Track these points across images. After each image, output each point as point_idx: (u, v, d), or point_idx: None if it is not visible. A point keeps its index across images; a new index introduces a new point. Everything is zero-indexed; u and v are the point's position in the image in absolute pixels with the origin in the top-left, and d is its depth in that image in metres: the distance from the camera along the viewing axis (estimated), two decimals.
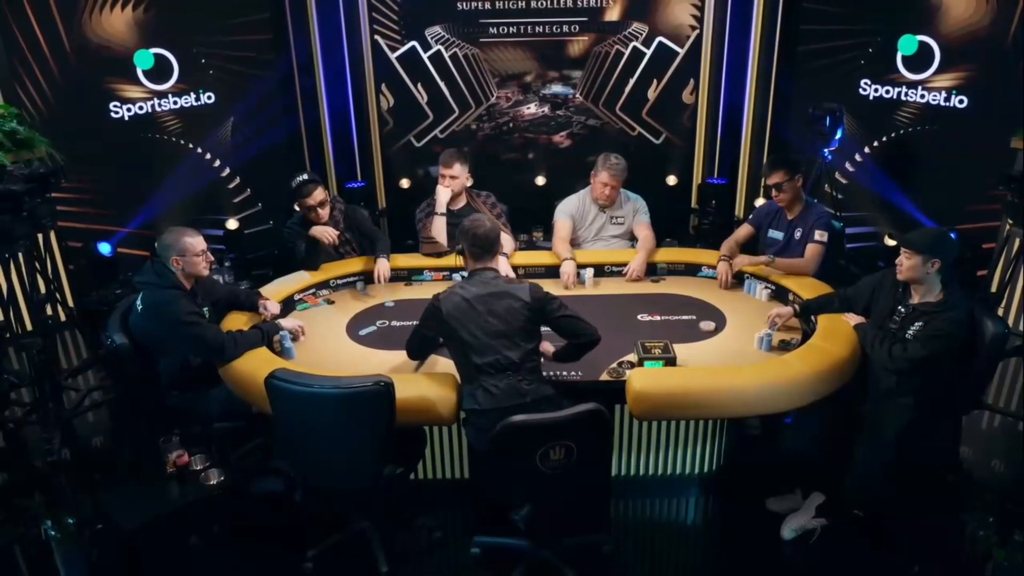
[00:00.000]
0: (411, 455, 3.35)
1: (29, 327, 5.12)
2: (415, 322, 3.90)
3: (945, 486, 3.79)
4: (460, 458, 3.82)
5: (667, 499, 3.87)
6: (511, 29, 6.38)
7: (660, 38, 6.41)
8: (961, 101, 5.29)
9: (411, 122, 6.67)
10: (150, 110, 5.74)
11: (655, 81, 6.54)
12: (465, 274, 4.15)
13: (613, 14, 6.34)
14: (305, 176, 4.48)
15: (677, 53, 6.46)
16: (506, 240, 4.57)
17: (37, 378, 4.30)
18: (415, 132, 6.71)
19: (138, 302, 3.53)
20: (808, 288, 4.00)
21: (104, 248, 5.67)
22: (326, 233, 4.39)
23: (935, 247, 3.26)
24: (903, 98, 5.61)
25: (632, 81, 6.54)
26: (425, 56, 6.44)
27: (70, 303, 5.24)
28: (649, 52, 6.45)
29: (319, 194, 4.40)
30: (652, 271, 4.51)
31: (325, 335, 3.87)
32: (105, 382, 4.79)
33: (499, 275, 3.32)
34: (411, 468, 3.39)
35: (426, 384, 3.24)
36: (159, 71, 5.73)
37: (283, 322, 3.75)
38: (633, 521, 3.77)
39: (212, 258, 3.64)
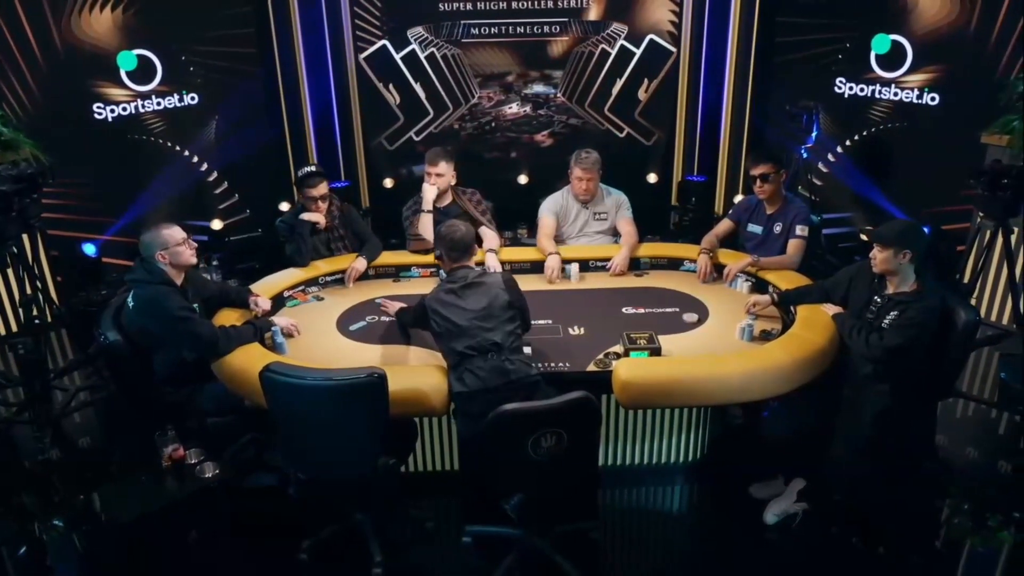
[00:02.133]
0: (403, 447, 3.41)
1: (14, 328, 5.13)
2: None
3: (922, 472, 3.91)
4: (450, 450, 3.88)
5: (653, 487, 3.96)
6: (493, 30, 6.44)
7: (639, 38, 6.48)
8: (933, 98, 5.42)
9: (385, 122, 6.71)
10: (134, 111, 5.74)
11: (626, 80, 6.60)
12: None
13: (593, 14, 6.42)
14: (312, 168, 4.61)
15: (656, 53, 6.53)
16: (492, 236, 4.66)
17: (27, 378, 4.31)
18: (386, 134, 6.75)
19: (130, 299, 3.56)
20: (787, 280, 4.10)
21: (89, 249, 5.68)
22: (316, 216, 4.52)
23: (904, 239, 3.36)
24: (877, 96, 5.74)
25: (620, 81, 6.59)
26: (398, 56, 6.48)
27: (55, 303, 5.23)
28: (637, 52, 6.50)
29: (323, 188, 4.53)
30: (636, 266, 4.59)
31: (316, 331, 3.92)
32: (93, 381, 4.79)
33: (473, 269, 3.52)
34: (403, 460, 3.45)
35: (418, 375, 3.31)
36: (143, 72, 5.73)
37: (275, 318, 3.80)
38: (621, 509, 3.85)
39: (196, 244, 3.68)
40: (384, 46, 6.46)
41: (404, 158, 6.79)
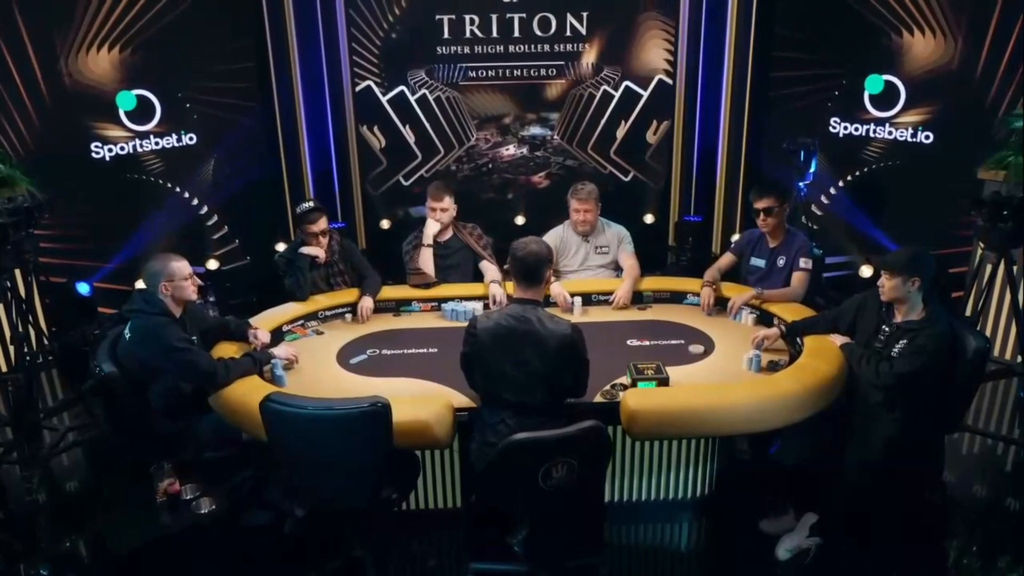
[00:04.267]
0: (405, 480, 3.32)
1: (4, 367, 5.03)
2: (406, 351, 3.97)
3: (930, 507, 3.85)
4: (453, 486, 3.78)
5: (662, 523, 3.86)
6: (490, 73, 6.52)
7: (634, 81, 6.58)
8: (927, 136, 5.50)
9: (370, 166, 6.74)
10: (132, 150, 5.74)
11: (633, 122, 6.69)
12: (467, 307, 4.27)
13: (589, 58, 6.51)
14: (312, 204, 4.56)
15: (655, 95, 6.62)
16: (494, 269, 4.64)
17: (16, 417, 4.20)
18: (369, 177, 6.77)
19: (126, 330, 3.49)
20: (792, 313, 4.07)
21: (83, 287, 5.61)
22: (316, 250, 4.47)
23: (912, 266, 3.35)
24: (872, 135, 5.81)
25: (627, 124, 6.68)
26: (384, 99, 6.53)
27: (46, 341, 5.15)
28: (644, 94, 6.62)
29: (323, 223, 4.48)
30: (638, 299, 4.56)
31: (316, 364, 3.86)
32: (84, 420, 4.68)
33: (538, 313, 3.09)
34: (405, 494, 3.36)
35: (421, 407, 3.22)
36: (141, 112, 5.74)
37: (275, 350, 3.73)
38: (629, 546, 3.74)
39: (199, 281, 3.63)
40: (369, 87, 6.49)
41: (398, 200, 6.80)
